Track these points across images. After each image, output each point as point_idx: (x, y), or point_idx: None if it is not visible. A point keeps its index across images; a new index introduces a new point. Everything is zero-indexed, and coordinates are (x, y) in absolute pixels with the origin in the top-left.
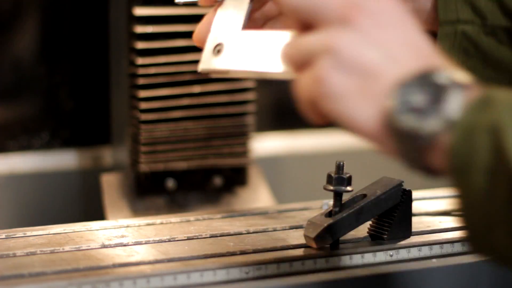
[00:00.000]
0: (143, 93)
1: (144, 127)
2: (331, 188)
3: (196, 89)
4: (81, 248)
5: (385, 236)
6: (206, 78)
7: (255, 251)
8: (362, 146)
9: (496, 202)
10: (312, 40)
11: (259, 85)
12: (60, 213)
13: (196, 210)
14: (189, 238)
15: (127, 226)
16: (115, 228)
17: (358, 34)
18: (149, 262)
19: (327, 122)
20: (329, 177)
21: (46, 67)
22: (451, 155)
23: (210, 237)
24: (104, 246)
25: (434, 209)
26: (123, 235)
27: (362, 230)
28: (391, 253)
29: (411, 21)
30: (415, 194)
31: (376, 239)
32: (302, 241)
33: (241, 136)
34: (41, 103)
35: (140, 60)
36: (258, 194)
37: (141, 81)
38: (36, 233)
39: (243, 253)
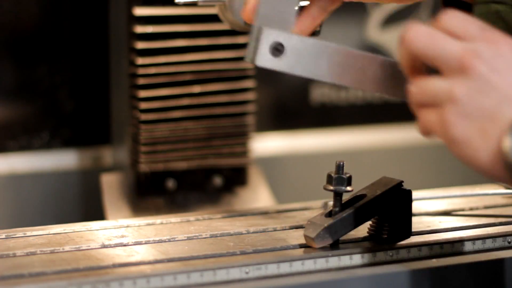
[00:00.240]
0: (143, 93)
1: (144, 127)
2: (331, 188)
3: (196, 89)
4: (81, 248)
5: (385, 236)
6: (206, 78)
7: (255, 251)
8: (362, 146)
9: None
10: (436, 86)
11: (259, 85)
12: (60, 213)
13: (196, 210)
14: (189, 238)
15: (127, 226)
16: (115, 228)
17: (476, 82)
18: (149, 262)
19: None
20: (329, 177)
21: (46, 67)
22: None
23: (210, 237)
24: (104, 246)
25: (434, 209)
26: (123, 235)
27: (362, 230)
28: (391, 253)
29: None
30: (415, 194)
31: (376, 239)
32: (302, 241)
33: (241, 136)
34: (41, 103)
35: (140, 60)
36: (258, 194)
37: (141, 81)
38: (36, 233)
39: (243, 253)
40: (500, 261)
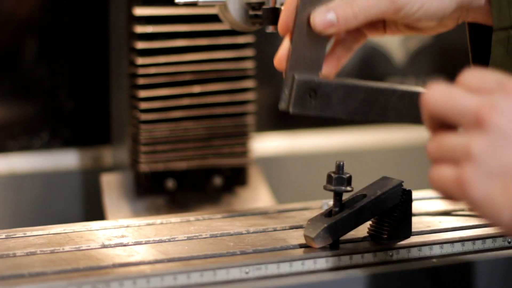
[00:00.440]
0: (143, 93)
1: (144, 127)
2: (331, 188)
3: (196, 89)
4: (81, 248)
5: (385, 236)
6: (206, 78)
7: (255, 251)
8: (362, 146)
9: None
10: (453, 142)
11: (259, 85)
12: (60, 213)
13: (196, 210)
14: (189, 238)
15: (127, 226)
16: (115, 228)
17: (495, 136)
18: (149, 262)
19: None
20: (329, 177)
21: (46, 67)
22: None
23: (210, 237)
24: (104, 246)
25: (434, 209)
26: (123, 235)
27: (362, 230)
28: (391, 253)
29: None
30: (415, 194)
31: (376, 239)
32: (302, 241)
33: (241, 136)
34: (41, 103)
35: (140, 60)
36: (258, 194)
37: (141, 81)
38: (36, 233)
39: (243, 253)
40: (500, 260)
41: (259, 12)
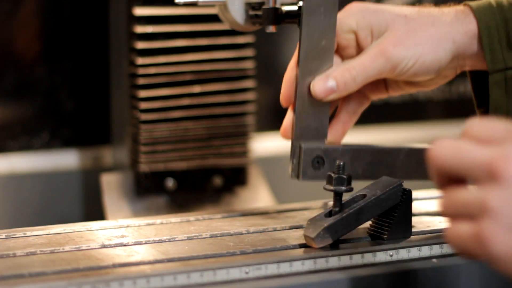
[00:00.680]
0: (143, 93)
1: (144, 127)
2: (331, 188)
3: (196, 89)
4: (81, 248)
5: (385, 236)
6: (206, 78)
7: (255, 251)
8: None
9: None
10: (468, 198)
11: (259, 85)
12: (60, 213)
13: (196, 210)
14: (189, 238)
15: (127, 226)
16: (115, 228)
17: (511, 189)
18: (149, 262)
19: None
20: (329, 177)
21: (46, 67)
22: None
23: (210, 237)
24: (104, 246)
25: (434, 209)
26: (123, 235)
27: (362, 230)
28: (391, 253)
29: None
30: (415, 194)
31: (376, 239)
32: (302, 241)
33: (241, 136)
34: (41, 103)
35: (140, 60)
36: (258, 194)
37: (141, 81)
38: (36, 233)
39: (243, 253)
40: None
41: (259, 12)
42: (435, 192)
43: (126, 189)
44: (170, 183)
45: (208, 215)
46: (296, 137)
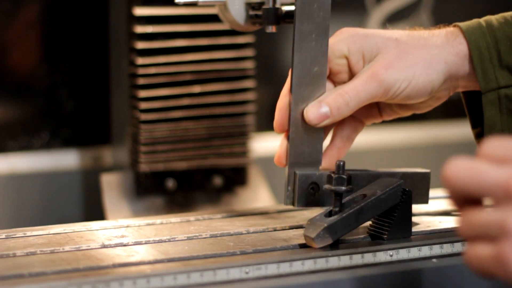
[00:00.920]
0: (143, 93)
1: (144, 127)
2: (331, 188)
3: (196, 89)
4: (81, 248)
5: (385, 236)
6: (206, 78)
7: (255, 251)
8: (363, 146)
9: None
10: (486, 219)
11: (259, 85)
12: (60, 213)
13: (196, 210)
14: (189, 238)
15: (127, 226)
16: (115, 228)
17: None
18: (149, 262)
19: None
20: (329, 177)
21: (46, 67)
22: None
23: (210, 237)
24: (104, 246)
25: (434, 209)
26: (123, 235)
27: (362, 230)
28: (391, 253)
29: None
30: None
31: (376, 239)
32: (302, 241)
33: (241, 136)
34: (41, 103)
35: (140, 60)
36: (258, 194)
37: (141, 81)
38: (36, 233)
39: (243, 253)
40: None
41: (259, 12)
42: (435, 192)
43: (126, 189)
44: (170, 183)
45: (208, 215)
46: (291, 164)
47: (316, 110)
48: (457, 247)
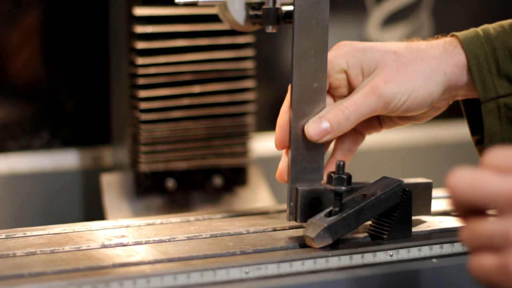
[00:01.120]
0: (143, 93)
1: (144, 127)
2: (331, 188)
3: (196, 89)
4: (81, 248)
5: (385, 236)
6: (206, 78)
7: (255, 251)
8: (363, 146)
9: None
10: (491, 230)
11: (259, 85)
12: (60, 213)
13: (196, 210)
14: (189, 238)
15: (127, 226)
16: (115, 228)
17: None
18: (149, 262)
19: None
20: (329, 177)
21: (46, 67)
22: None
23: (210, 237)
24: (104, 246)
25: (434, 209)
26: (123, 235)
27: (362, 230)
28: (391, 253)
29: None
30: None
31: (376, 239)
32: (302, 241)
33: (241, 136)
34: (41, 103)
35: (140, 60)
36: (258, 194)
37: (141, 81)
38: (36, 233)
39: (243, 253)
40: None
41: (259, 12)
42: (435, 192)
43: (126, 189)
44: (170, 183)
45: (208, 215)
46: (292, 180)
47: (317, 126)
48: (457, 247)
